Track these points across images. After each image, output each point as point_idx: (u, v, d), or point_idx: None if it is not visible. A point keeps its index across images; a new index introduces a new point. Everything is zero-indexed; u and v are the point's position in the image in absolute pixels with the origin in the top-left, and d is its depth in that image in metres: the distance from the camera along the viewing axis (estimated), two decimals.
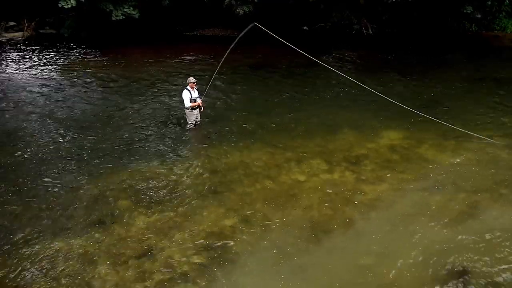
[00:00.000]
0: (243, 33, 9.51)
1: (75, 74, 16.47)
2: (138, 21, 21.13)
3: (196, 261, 6.23)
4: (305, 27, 24.10)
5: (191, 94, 10.36)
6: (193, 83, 10.36)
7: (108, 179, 8.51)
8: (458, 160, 8.97)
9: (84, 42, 21.60)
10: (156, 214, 7.34)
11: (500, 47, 19.97)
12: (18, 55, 19.96)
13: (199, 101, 10.54)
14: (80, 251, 6.48)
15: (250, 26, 9.46)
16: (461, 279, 5.75)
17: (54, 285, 5.86)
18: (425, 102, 12.54)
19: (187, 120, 10.76)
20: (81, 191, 8.11)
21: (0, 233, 6.94)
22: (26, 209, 7.58)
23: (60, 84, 15.15)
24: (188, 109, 10.55)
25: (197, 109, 10.69)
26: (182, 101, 10.71)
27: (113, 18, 20.16)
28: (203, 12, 23.00)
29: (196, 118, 10.78)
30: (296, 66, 16.85)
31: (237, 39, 9.59)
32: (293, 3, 21.13)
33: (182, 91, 10.50)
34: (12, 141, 10.44)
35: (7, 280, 5.95)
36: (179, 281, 5.88)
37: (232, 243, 6.59)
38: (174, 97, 13.10)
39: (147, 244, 6.59)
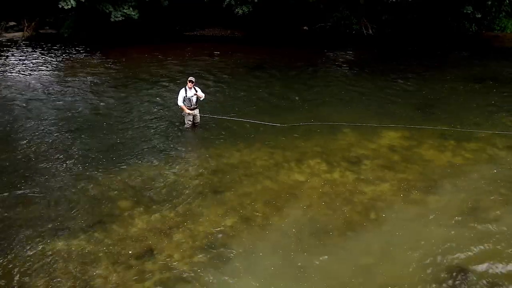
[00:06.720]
0: None
1: (75, 74, 16.47)
2: (138, 21, 21.15)
3: (196, 261, 6.23)
4: (305, 27, 24.12)
5: (186, 93, 10.40)
6: (190, 82, 10.36)
7: (108, 179, 8.51)
8: (458, 160, 8.98)
9: (84, 42, 21.62)
10: (156, 214, 7.34)
11: (500, 47, 19.98)
12: (18, 55, 19.97)
13: (190, 110, 10.56)
14: (80, 251, 6.48)
15: None
16: (461, 280, 5.75)
17: (54, 285, 5.85)
18: (425, 101, 12.55)
19: (184, 120, 10.78)
20: (81, 191, 8.11)
21: (0, 233, 6.94)
22: (26, 209, 7.58)
23: (60, 84, 15.15)
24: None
25: (193, 111, 10.69)
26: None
27: (112, 19, 20.17)
28: (203, 12, 23.02)
29: (194, 119, 10.79)
30: (295, 66, 16.85)
31: None
32: (293, 3, 21.13)
33: (180, 90, 10.56)
34: (11, 141, 10.43)
35: (7, 280, 5.95)
36: (179, 281, 5.88)
37: (232, 243, 6.59)
38: (174, 97, 13.09)
39: (147, 244, 6.59)
